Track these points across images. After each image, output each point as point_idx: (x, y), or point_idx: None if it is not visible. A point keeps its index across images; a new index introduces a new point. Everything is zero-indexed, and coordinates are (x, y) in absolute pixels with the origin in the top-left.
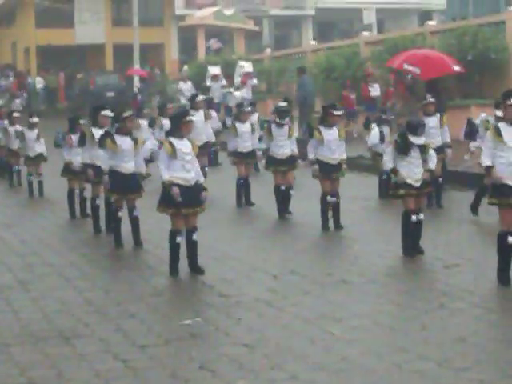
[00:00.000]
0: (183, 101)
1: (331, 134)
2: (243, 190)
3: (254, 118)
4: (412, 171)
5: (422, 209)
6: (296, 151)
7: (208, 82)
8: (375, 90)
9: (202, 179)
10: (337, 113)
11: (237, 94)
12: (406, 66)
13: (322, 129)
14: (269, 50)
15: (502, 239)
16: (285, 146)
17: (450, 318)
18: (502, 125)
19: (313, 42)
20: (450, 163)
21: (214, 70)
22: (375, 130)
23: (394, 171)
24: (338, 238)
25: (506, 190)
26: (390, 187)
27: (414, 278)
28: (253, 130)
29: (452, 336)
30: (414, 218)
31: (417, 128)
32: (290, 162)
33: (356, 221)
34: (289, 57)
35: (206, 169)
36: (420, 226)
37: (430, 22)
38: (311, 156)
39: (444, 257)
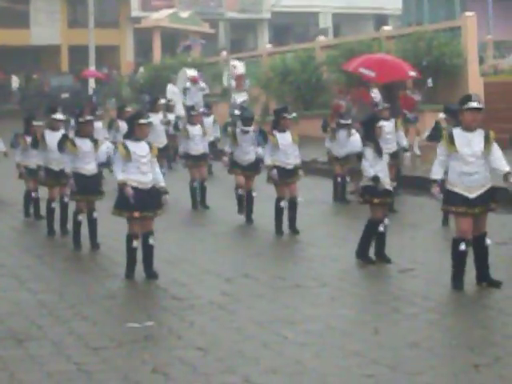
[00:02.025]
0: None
1: (285, 138)
2: (197, 192)
3: (210, 120)
4: (386, 177)
5: (387, 215)
6: (262, 154)
7: (186, 85)
8: (377, 96)
9: (162, 182)
10: (289, 116)
11: (239, 98)
12: (361, 70)
13: (275, 133)
14: (224, 53)
15: (455, 245)
16: (250, 153)
17: (403, 323)
18: (456, 132)
19: (269, 46)
20: (405, 168)
21: (192, 72)
22: (356, 136)
23: (376, 179)
24: (292, 241)
25: (457, 198)
26: (362, 193)
27: (367, 283)
28: (204, 133)
29: (405, 340)
30: (381, 228)
31: (375, 117)
32: (254, 167)
33: (310, 225)
34: (244, 60)
35: (163, 170)
36: (385, 233)
37: (386, 27)
38: (268, 161)
39: (398, 261)
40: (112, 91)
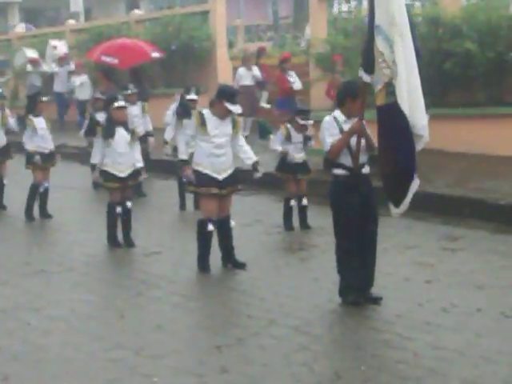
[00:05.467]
0: None
1: (41, 123)
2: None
3: None
4: (116, 161)
5: (130, 198)
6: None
7: (27, 67)
8: (296, 81)
9: None
10: (44, 99)
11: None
12: (104, 58)
13: (32, 118)
14: None
15: (202, 226)
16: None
17: (147, 306)
18: (206, 113)
19: (19, 30)
20: (153, 152)
21: (32, 53)
22: None
23: (99, 165)
24: (39, 226)
25: (205, 179)
26: (97, 177)
27: (113, 267)
28: (3, 124)
29: (149, 324)
30: (118, 209)
31: (115, 98)
32: (5, 153)
33: (58, 210)
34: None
35: None
36: (128, 218)
37: (136, 11)
38: (30, 147)
39: (144, 245)
40: None
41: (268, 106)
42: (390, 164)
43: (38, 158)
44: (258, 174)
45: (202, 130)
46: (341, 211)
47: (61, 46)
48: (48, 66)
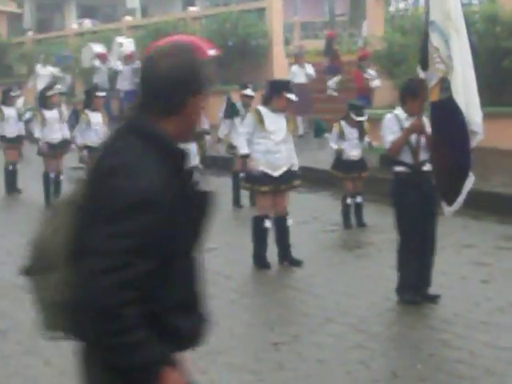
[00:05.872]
0: (40, 86)
1: (96, 118)
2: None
3: (20, 101)
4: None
5: None
6: (68, 135)
7: (95, 64)
8: (374, 80)
9: None
10: (100, 94)
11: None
12: None
13: (87, 112)
14: (31, 33)
15: (257, 223)
16: (57, 132)
17: None
18: (263, 110)
19: (75, 26)
20: (209, 148)
21: (99, 48)
22: None
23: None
24: None
25: (261, 176)
26: None
27: None
28: (19, 115)
29: None
30: None
31: None
32: (63, 146)
33: None
34: (51, 40)
35: None
36: None
37: (192, 8)
38: (80, 140)
39: None
40: None
41: (335, 93)
42: (444, 161)
43: (85, 152)
44: (296, 184)
45: (260, 127)
46: (403, 209)
47: (127, 44)
48: (113, 64)
